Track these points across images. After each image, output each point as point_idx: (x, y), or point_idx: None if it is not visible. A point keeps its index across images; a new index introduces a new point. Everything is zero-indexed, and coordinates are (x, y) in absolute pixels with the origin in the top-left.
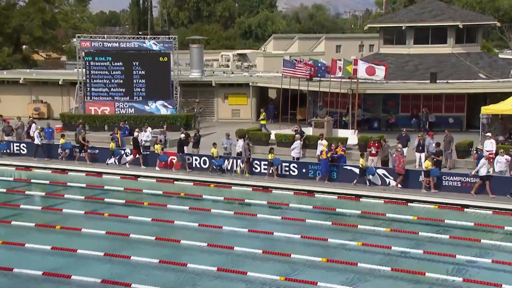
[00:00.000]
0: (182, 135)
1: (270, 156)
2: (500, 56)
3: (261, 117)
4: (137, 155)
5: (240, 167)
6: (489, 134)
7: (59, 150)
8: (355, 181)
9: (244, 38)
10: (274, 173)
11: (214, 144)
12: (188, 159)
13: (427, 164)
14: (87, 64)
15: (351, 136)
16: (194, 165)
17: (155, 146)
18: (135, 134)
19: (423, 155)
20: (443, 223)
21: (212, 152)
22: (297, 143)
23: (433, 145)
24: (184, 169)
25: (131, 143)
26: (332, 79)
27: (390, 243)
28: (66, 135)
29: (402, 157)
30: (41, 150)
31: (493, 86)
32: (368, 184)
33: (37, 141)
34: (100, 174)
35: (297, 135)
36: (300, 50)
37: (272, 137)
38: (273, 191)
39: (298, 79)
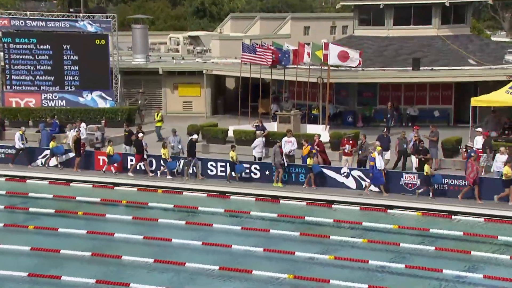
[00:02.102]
0: (195, 136)
1: (309, 161)
2: (493, 38)
3: (157, 118)
4: (141, 161)
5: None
6: (479, 129)
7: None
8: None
9: (196, 18)
10: (312, 182)
11: (164, 143)
12: (131, 160)
13: (427, 169)
14: (6, 46)
15: (322, 132)
16: (138, 167)
17: (109, 146)
18: (139, 135)
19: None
20: (427, 233)
21: (163, 153)
22: (259, 141)
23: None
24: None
25: (133, 145)
26: (299, 67)
27: (367, 256)
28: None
29: (475, 163)
30: (22, 155)
31: (485, 73)
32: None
33: (18, 144)
34: (23, 178)
35: (258, 132)
36: (262, 32)
37: (230, 133)
38: (231, 197)
39: (260, 66)
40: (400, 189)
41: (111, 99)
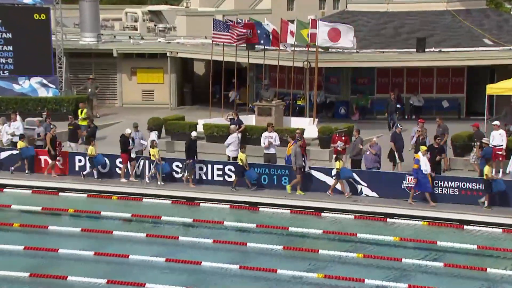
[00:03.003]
0: (194, 133)
1: (337, 165)
2: None
3: (81, 115)
4: (129, 163)
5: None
6: (497, 122)
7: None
8: (330, 190)
9: None
10: (343, 188)
11: (153, 142)
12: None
13: (338, 165)
14: None
15: (309, 126)
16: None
17: (90, 146)
18: (127, 131)
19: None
20: (435, 246)
21: (153, 154)
22: (234, 137)
23: (427, 138)
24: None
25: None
26: (282, 49)
27: (363, 274)
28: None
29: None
30: None
31: (503, 55)
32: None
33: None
34: None
35: (232, 126)
36: (237, 7)
37: (200, 128)
38: (201, 205)
39: (235, 47)
40: (401, 194)
41: (54, 86)
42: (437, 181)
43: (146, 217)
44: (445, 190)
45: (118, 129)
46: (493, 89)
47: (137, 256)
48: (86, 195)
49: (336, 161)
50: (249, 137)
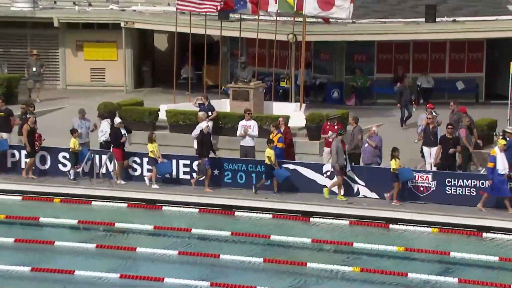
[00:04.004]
0: (204, 124)
1: (394, 164)
2: None
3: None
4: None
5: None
6: None
7: None
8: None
9: None
10: (395, 195)
11: (74, 130)
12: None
13: (394, 164)
14: None
15: (295, 113)
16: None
17: (73, 138)
18: (117, 121)
19: (434, 150)
20: (448, 258)
21: (151, 149)
22: (201, 128)
23: (438, 128)
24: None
25: (109, 135)
26: (262, 18)
27: None
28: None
29: None
30: None
31: None
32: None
33: None
34: None
35: (201, 113)
36: None
37: (162, 115)
38: (163, 208)
39: (205, 17)
40: (407, 195)
41: None
42: (449, 180)
43: (96, 223)
44: (460, 190)
45: (60, 118)
46: None
47: (85, 272)
48: (21, 197)
49: (392, 159)
50: (222, 127)
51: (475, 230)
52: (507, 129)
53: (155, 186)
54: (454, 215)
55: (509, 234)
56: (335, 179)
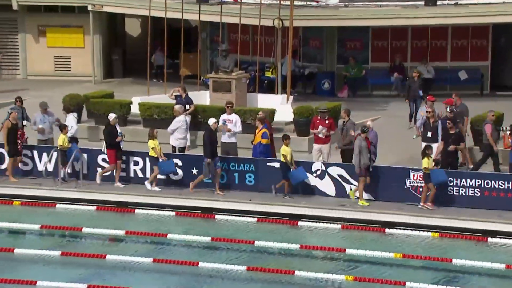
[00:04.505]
0: (212, 120)
1: (425, 163)
2: None
3: None
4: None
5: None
6: None
7: None
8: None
9: None
10: (430, 199)
11: (64, 126)
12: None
13: (426, 164)
14: None
15: (282, 106)
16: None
17: (62, 135)
18: (111, 117)
19: (435, 146)
20: (450, 265)
21: (152, 147)
22: (180, 121)
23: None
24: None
25: (104, 134)
26: (245, 1)
27: None
28: None
29: None
30: None
31: None
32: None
33: None
34: None
35: (177, 106)
36: None
37: (134, 109)
38: (136, 211)
39: None
40: (405, 196)
41: None
42: (451, 179)
43: (61, 228)
44: (462, 190)
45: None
46: None
47: (49, 282)
48: None
49: (424, 157)
50: (201, 121)
51: (480, 234)
52: None
53: (155, 188)
54: (457, 218)
55: None
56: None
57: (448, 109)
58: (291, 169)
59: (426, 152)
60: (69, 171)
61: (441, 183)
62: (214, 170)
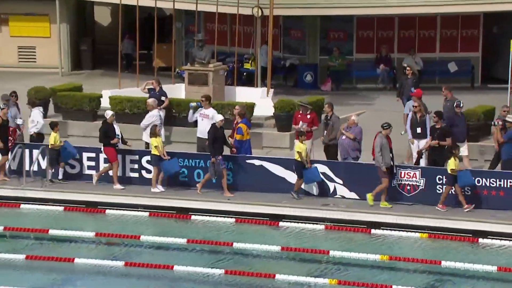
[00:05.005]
0: (220, 117)
1: (452, 164)
2: None
3: None
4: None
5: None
6: None
7: None
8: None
9: None
10: (463, 200)
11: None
12: None
13: (453, 164)
14: None
15: (261, 100)
16: None
17: (53, 133)
18: (108, 114)
19: (423, 142)
20: (439, 268)
21: (155, 145)
22: (153, 116)
23: (428, 116)
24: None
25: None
26: None
27: None
28: None
29: None
30: None
31: None
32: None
33: None
34: None
35: (151, 100)
36: None
37: (105, 103)
38: (107, 212)
39: None
40: (392, 195)
41: None
42: (440, 177)
43: (26, 230)
44: (452, 189)
45: None
46: None
47: None
48: None
49: (450, 157)
50: (176, 116)
51: (471, 235)
52: (508, 117)
53: (160, 188)
54: (446, 218)
55: (509, 240)
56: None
57: (454, 104)
58: (306, 168)
59: (452, 152)
60: (53, 171)
61: (468, 185)
62: (220, 170)
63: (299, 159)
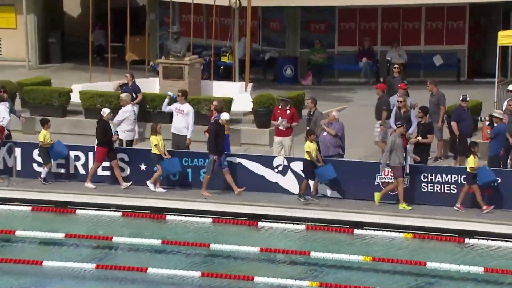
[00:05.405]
0: (226, 116)
1: (471, 162)
2: None
3: None
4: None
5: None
6: None
7: None
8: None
9: None
10: (481, 200)
11: (46, 121)
12: None
13: (472, 162)
14: None
15: (240, 94)
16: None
17: (43, 130)
18: (105, 112)
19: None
20: (424, 269)
21: (155, 143)
22: (127, 112)
23: (413, 111)
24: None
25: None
26: None
27: None
28: None
29: None
30: None
31: None
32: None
33: None
34: None
35: (124, 95)
36: None
37: (75, 98)
38: (77, 212)
39: None
40: (374, 193)
41: None
42: (425, 174)
43: None
44: (437, 187)
45: None
46: (508, 37)
47: None
48: None
49: (470, 155)
50: (150, 111)
51: (456, 235)
52: (494, 113)
53: (160, 189)
54: (431, 218)
55: (496, 240)
56: (394, 182)
57: (461, 98)
58: (319, 167)
59: (471, 150)
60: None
61: (490, 183)
62: (219, 169)
63: (308, 159)
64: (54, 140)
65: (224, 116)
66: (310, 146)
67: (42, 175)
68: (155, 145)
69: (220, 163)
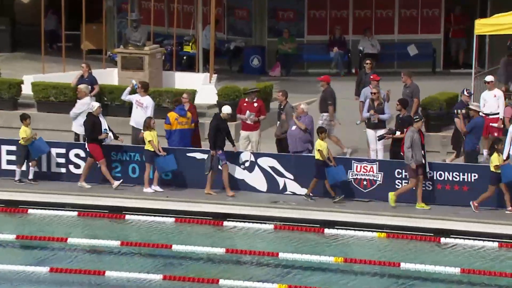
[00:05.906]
0: (227, 109)
1: (496, 159)
2: None
3: None
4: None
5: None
6: (490, 78)
7: None
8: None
9: None
10: (509, 201)
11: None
12: None
13: (496, 160)
14: None
15: (203, 86)
16: None
17: (23, 126)
18: (93, 106)
19: (381, 132)
20: (398, 271)
21: (149, 139)
22: (84, 104)
23: (387, 104)
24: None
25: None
26: None
27: None
28: None
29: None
30: None
31: None
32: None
33: None
34: None
35: (83, 86)
36: None
37: (26, 90)
38: (29, 212)
39: None
40: (347, 190)
41: None
42: (400, 171)
43: None
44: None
45: None
46: (485, 26)
47: None
48: None
49: (492, 153)
50: (108, 104)
51: (432, 234)
52: (471, 105)
53: (157, 188)
54: (406, 216)
55: (473, 239)
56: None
57: (465, 92)
58: (330, 166)
59: (495, 147)
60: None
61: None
62: (217, 166)
63: (320, 158)
64: (36, 136)
65: (226, 109)
66: (322, 144)
67: (17, 176)
68: (149, 141)
69: (219, 158)
